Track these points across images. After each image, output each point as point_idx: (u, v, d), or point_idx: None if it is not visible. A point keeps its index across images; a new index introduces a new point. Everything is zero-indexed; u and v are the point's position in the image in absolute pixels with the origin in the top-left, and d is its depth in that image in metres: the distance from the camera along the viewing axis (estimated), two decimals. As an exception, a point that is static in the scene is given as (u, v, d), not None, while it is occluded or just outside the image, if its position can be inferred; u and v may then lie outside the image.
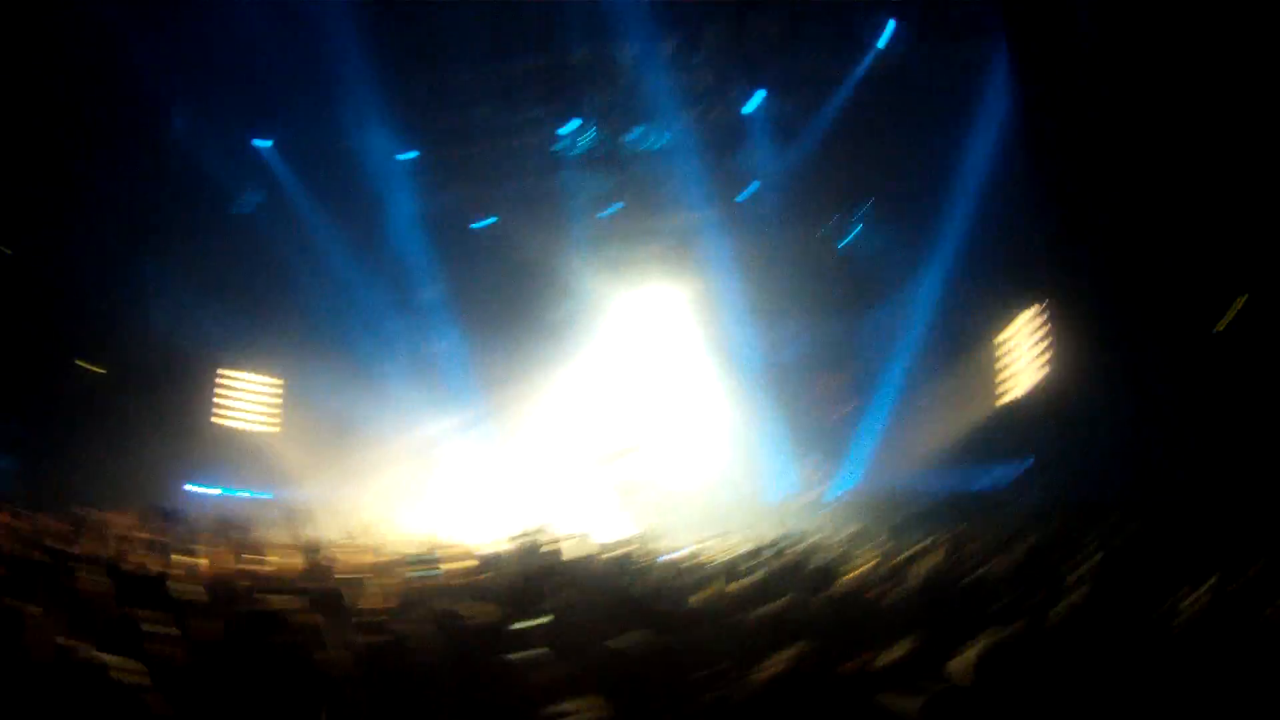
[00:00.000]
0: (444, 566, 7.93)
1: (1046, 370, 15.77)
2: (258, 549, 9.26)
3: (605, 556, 8.49)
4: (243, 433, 19.30)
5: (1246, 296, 10.76)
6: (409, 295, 20.67)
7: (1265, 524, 7.00)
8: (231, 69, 17.00)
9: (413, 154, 19.83)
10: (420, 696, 4.22)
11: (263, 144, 19.22)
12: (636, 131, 19.85)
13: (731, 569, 7.48)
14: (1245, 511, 8.03)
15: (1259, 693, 3.15)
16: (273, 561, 8.45)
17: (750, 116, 19.04)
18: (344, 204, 19.40)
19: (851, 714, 3.48)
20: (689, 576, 7.44)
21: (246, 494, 17.71)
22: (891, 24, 17.07)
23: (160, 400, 16.95)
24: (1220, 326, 10.89)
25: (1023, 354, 16.77)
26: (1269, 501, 8.20)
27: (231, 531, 10.63)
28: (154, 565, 7.47)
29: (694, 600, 6.30)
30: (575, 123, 19.52)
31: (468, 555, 9.12)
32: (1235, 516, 7.76)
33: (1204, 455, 10.76)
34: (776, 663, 3.75)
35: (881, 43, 17.25)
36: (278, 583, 6.79)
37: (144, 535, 10.13)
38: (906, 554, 7.89)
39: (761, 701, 3.51)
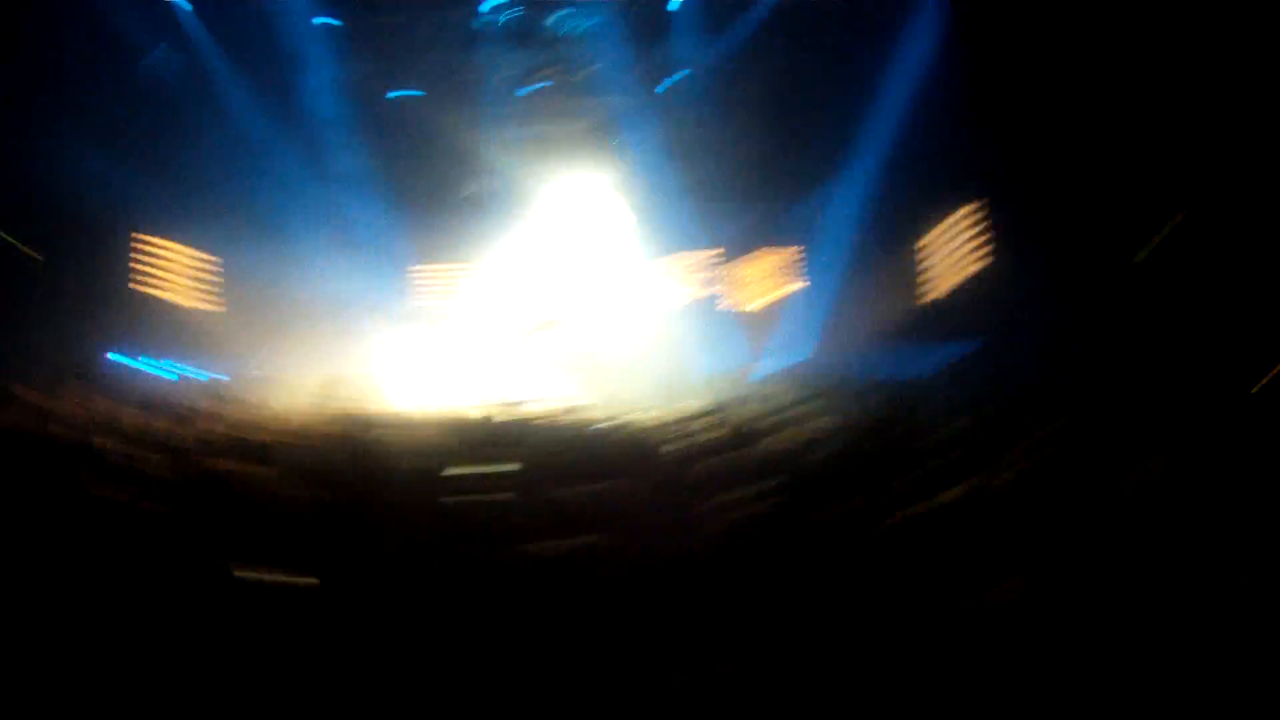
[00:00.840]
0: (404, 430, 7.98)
1: (981, 261, 16.32)
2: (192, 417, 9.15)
3: (557, 419, 8.65)
4: (161, 303, 18.57)
5: (1180, 217, 11.21)
6: (327, 163, 20.09)
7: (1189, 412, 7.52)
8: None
9: (330, 19, 19.08)
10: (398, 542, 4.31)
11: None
12: (562, 12, 19.43)
13: (676, 430, 7.74)
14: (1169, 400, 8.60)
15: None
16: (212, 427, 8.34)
17: (679, 6, 18.77)
18: (259, 65, 18.63)
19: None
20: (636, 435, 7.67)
21: (168, 367, 17.08)
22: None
23: (70, 265, 15.99)
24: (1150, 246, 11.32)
25: (960, 244, 17.28)
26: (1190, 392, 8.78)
27: (161, 401, 10.38)
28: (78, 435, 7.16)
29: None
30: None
31: (427, 422, 9.16)
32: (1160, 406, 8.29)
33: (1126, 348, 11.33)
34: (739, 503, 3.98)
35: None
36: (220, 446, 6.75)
37: (68, 405, 9.78)
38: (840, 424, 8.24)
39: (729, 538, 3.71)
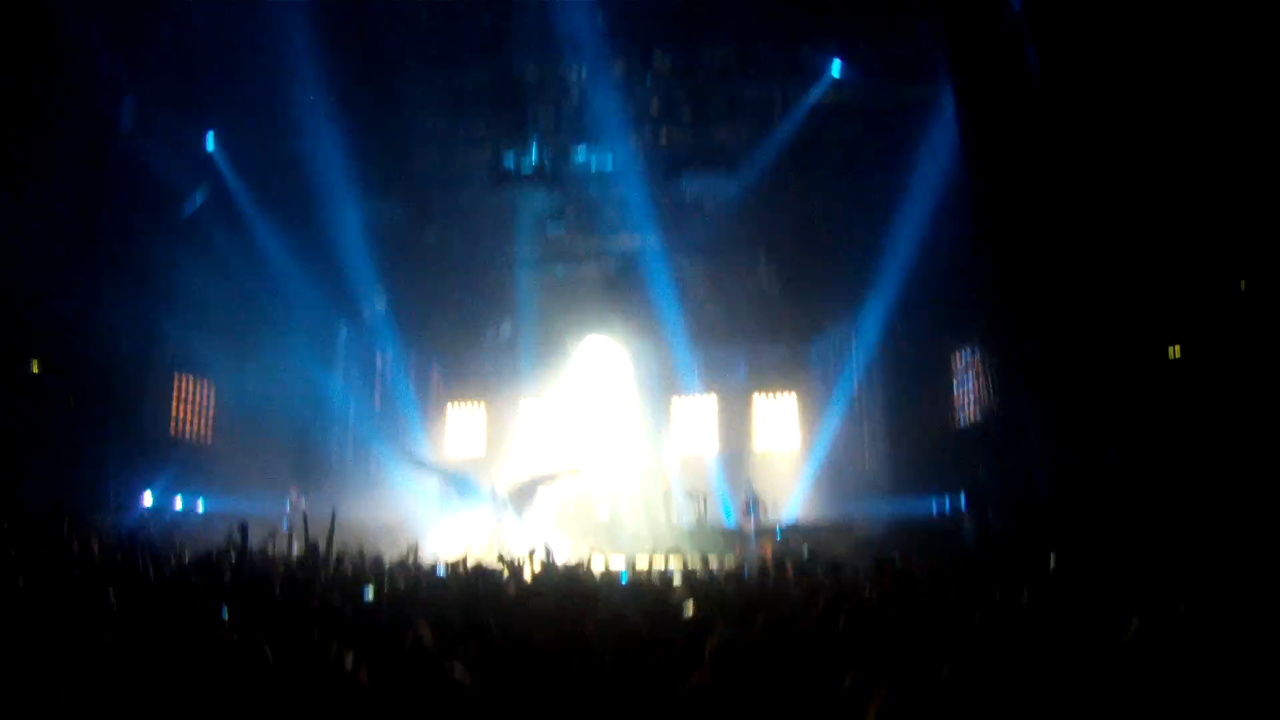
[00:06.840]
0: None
1: (982, 406, 16.35)
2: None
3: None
4: (186, 440, 18.67)
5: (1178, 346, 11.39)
6: (353, 304, 20.60)
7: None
8: (181, 66, 16.46)
9: (357, 164, 19.63)
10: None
11: (209, 143, 18.71)
12: (582, 152, 20.01)
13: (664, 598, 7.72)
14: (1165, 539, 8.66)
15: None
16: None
17: (696, 143, 19.21)
18: (288, 209, 18.89)
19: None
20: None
21: (184, 502, 17.09)
22: (837, 62, 17.35)
23: (107, 405, 16.14)
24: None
25: (960, 390, 17.35)
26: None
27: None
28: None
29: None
30: (522, 139, 19.44)
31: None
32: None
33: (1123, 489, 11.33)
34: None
35: (828, 79, 17.50)
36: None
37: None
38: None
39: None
